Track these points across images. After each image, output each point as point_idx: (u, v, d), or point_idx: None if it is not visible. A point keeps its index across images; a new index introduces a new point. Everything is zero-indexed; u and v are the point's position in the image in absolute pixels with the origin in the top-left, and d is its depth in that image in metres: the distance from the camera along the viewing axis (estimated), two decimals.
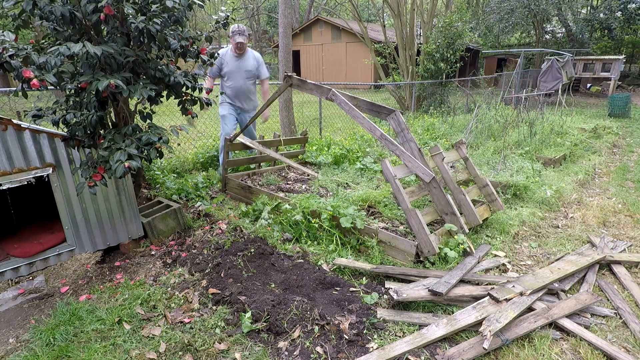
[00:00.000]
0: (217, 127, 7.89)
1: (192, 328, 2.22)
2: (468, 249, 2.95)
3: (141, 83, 2.43)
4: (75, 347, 2.06)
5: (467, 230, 3.10)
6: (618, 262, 2.90)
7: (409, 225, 2.87)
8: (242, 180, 4.27)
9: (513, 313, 2.16)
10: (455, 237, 2.96)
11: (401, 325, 2.25)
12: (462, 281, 2.57)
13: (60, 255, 2.83)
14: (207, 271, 2.77)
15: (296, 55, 22.32)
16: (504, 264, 2.95)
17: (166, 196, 3.96)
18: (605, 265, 2.91)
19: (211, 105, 3.08)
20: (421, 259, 2.83)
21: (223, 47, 4.44)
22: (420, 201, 3.73)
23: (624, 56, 15.75)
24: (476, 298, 2.39)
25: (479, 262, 2.86)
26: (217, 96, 3.32)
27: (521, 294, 2.33)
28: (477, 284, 2.58)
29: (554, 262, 2.85)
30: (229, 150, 4.19)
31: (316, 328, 2.18)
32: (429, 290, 2.36)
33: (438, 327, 2.13)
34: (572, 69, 12.75)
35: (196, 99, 3.00)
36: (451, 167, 4.25)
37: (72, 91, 2.53)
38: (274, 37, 34.24)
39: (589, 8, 19.60)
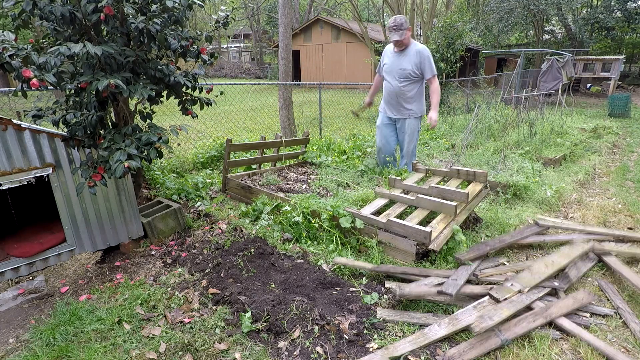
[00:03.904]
0: (217, 127, 7.89)
1: (192, 328, 2.22)
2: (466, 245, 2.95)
3: (141, 83, 2.43)
4: (75, 347, 2.06)
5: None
6: (608, 253, 2.96)
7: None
8: (242, 180, 4.27)
9: (508, 312, 2.16)
10: (455, 236, 2.97)
11: (401, 325, 2.25)
12: None
13: (60, 255, 2.83)
14: (207, 271, 2.77)
15: (296, 55, 22.32)
16: (503, 263, 2.94)
17: (166, 196, 3.96)
18: (597, 258, 2.92)
19: (211, 105, 3.08)
20: (429, 247, 2.80)
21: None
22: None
23: (624, 56, 15.72)
24: (476, 297, 2.39)
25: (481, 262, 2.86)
26: (216, 96, 3.30)
27: (520, 292, 2.33)
28: (478, 283, 2.58)
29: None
30: (230, 151, 4.19)
31: (316, 328, 2.18)
32: (439, 292, 2.35)
33: (440, 327, 2.13)
34: (572, 69, 12.74)
35: (196, 98, 3.00)
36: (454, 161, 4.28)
37: (72, 91, 2.53)
38: (274, 37, 34.26)
39: (588, 8, 19.62)
